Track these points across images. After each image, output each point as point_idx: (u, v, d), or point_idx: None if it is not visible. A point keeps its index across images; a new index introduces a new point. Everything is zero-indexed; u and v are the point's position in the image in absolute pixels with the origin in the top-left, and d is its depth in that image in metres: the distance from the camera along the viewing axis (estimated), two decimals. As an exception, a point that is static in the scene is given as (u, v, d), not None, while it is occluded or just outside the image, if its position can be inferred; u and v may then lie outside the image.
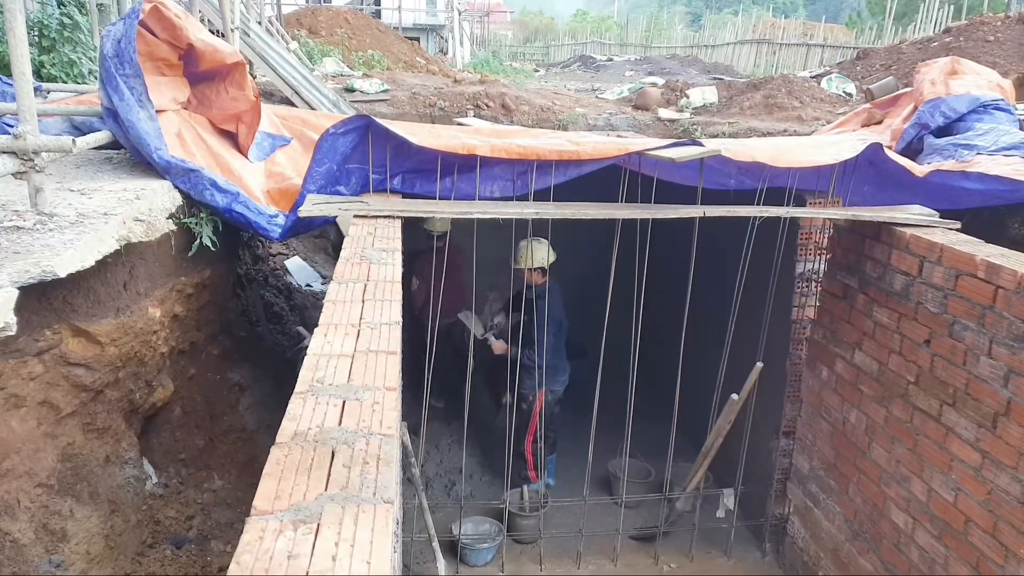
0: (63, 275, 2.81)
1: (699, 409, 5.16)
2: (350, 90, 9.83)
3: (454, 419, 6.42)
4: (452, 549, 5.05)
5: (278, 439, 1.71)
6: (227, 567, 1.27)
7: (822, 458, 4.63)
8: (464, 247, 5.37)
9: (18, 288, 2.62)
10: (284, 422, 1.79)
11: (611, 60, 24.02)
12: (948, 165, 4.96)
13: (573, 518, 5.31)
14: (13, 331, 2.55)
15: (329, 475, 1.58)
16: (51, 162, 3.51)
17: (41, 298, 2.95)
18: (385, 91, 9.92)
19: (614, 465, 5.88)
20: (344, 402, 1.90)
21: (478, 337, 5.67)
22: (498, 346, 5.62)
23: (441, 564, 4.69)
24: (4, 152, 3.19)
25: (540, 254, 5.35)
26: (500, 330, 5.83)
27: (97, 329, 3.24)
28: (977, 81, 6.06)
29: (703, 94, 11.09)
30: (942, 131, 5.73)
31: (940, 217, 4.08)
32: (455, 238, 5.59)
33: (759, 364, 4.83)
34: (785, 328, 4.93)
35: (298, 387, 1.97)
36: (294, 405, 1.87)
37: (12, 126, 3.92)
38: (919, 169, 4.64)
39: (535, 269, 5.35)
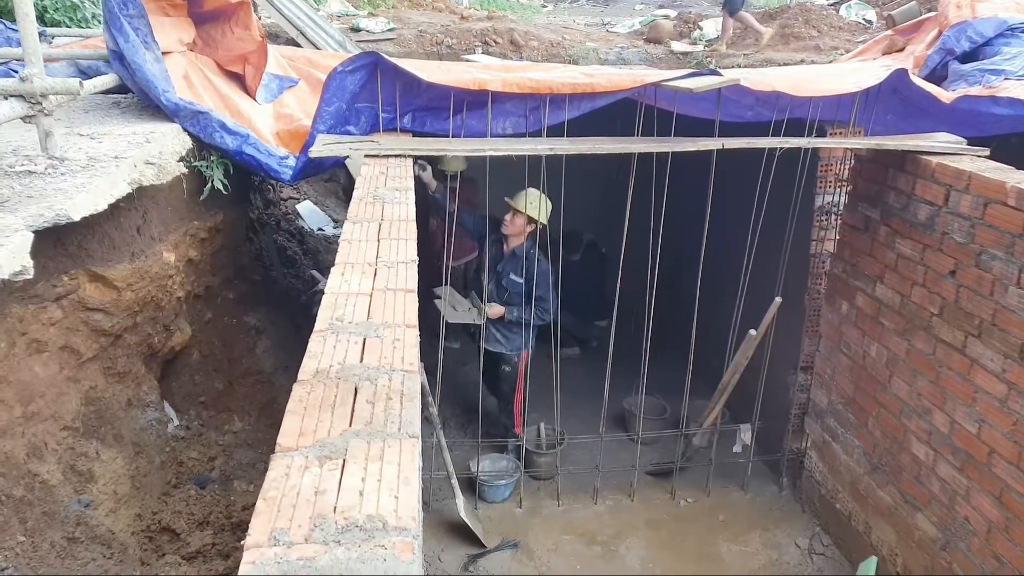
0: (77, 218, 2.80)
1: (716, 345, 5.14)
2: (356, 30, 9.64)
3: (469, 360, 6.45)
4: (470, 486, 5.12)
5: (300, 376, 1.70)
6: (250, 506, 1.28)
7: (841, 392, 4.62)
8: (477, 180, 5.16)
9: (33, 232, 2.60)
10: (305, 359, 1.77)
11: (621, -6, 23.35)
12: (976, 90, 4.81)
13: (590, 454, 5.36)
14: (30, 275, 2.54)
15: (353, 411, 1.56)
16: (59, 106, 3.47)
17: (56, 243, 2.94)
18: (391, 30, 9.72)
19: (630, 402, 5.90)
20: (364, 339, 1.88)
21: (477, 321, 5.19)
22: (495, 311, 5.19)
23: (460, 500, 4.76)
24: (12, 95, 3.14)
25: (546, 209, 5.07)
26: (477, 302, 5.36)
27: (113, 274, 3.23)
28: (1004, 3, 5.84)
29: (717, 26, 10.78)
30: (967, 56, 5.55)
31: (967, 145, 3.97)
32: (468, 172, 5.45)
33: (778, 299, 4.79)
34: (804, 262, 4.87)
35: (318, 325, 1.94)
36: (315, 343, 1.85)
37: (18, 72, 3.86)
38: (945, 95, 4.50)
39: (533, 221, 5.07)
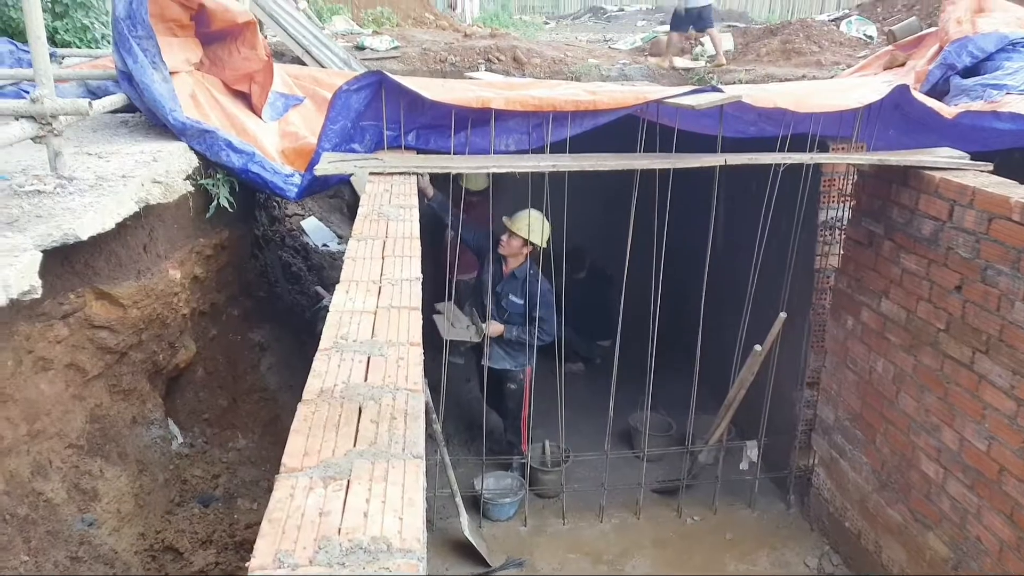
0: (85, 238, 2.82)
1: (721, 361, 5.12)
2: (360, 48, 9.71)
3: (474, 376, 6.43)
4: (475, 504, 5.09)
5: (304, 396, 1.70)
6: (254, 524, 1.28)
7: (848, 408, 4.60)
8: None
9: (41, 251, 2.62)
10: (310, 379, 1.77)
11: (622, 10, 23.48)
12: (978, 105, 4.81)
13: (595, 472, 5.33)
14: (38, 294, 2.56)
15: (357, 431, 1.56)
16: (68, 126, 3.49)
17: (64, 262, 2.96)
18: (395, 48, 9.78)
19: (635, 419, 5.87)
20: (369, 358, 1.88)
21: (474, 340, 5.13)
22: (494, 329, 5.12)
23: (464, 519, 4.73)
24: (23, 116, 3.18)
25: (543, 231, 5.03)
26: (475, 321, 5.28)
27: (119, 292, 3.25)
28: (1005, 18, 5.85)
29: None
30: (969, 71, 5.56)
31: (970, 160, 3.97)
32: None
33: (782, 314, 4.77)
34: (808, 277, 4.86)
35: (322, 344, 1.95)
36: (319, 361, 1.85)
37: (28, 93, 3.90)
38: (947, 110, 4.51)
39: (529, 243, 5.00)
